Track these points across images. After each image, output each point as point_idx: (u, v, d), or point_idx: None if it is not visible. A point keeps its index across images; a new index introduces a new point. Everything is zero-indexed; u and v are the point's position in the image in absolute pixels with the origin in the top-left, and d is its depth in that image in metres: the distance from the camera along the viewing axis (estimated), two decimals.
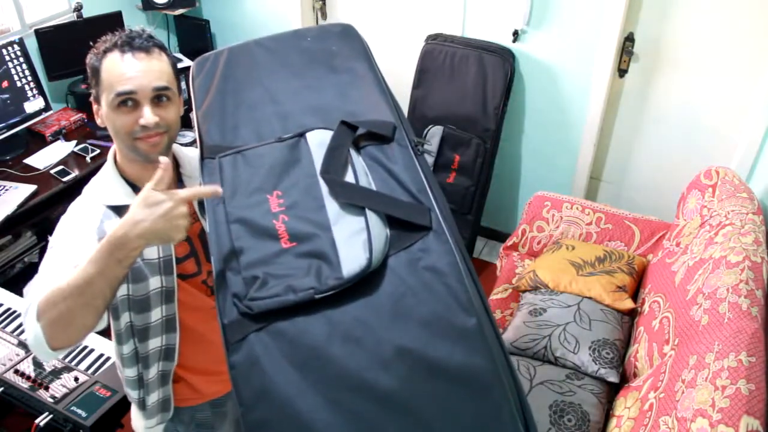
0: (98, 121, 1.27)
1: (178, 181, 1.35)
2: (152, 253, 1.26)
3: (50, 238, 1.24)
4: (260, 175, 1.12)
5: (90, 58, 1.23)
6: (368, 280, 1.00)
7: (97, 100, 1.24)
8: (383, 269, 1.01)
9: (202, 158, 1.18)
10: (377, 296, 0.99)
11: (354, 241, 1.01)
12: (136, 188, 1.27)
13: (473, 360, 0.97)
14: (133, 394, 1.39)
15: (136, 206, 1.02)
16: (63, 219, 1.25)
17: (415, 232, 1.04)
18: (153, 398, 1.39)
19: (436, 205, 1.08)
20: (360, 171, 1.11)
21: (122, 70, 1.18)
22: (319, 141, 1.16)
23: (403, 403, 0.94)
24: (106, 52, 1.21)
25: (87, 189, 1.31)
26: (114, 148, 1.31)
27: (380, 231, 1.03)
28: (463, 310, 0.98)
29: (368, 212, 1.05)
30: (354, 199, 1.06)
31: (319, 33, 1.39)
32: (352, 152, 1.14)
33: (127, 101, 1.19)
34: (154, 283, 1.27)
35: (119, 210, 1.22)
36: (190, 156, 1.39)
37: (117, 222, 1.04)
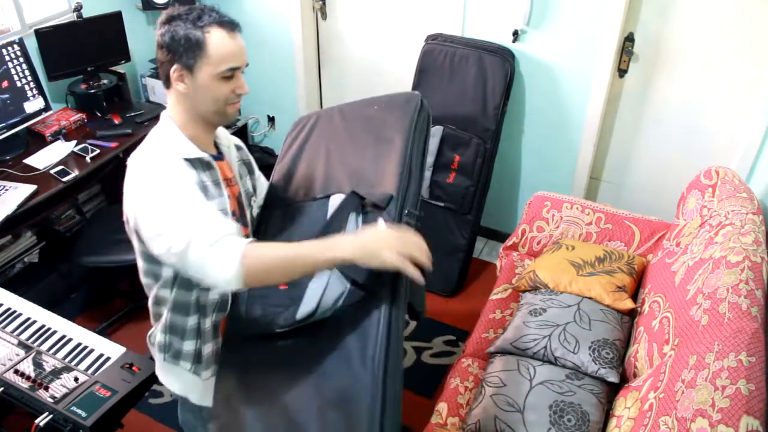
0: (180, 87, 1.39)
1: (216, 147, 1.54)
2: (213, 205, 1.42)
3: (142, 195, 1.33)
4: (290, 226, 1.48)
5: (184, 29, 1.34)
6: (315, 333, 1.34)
7: (188, 68, 1.36)
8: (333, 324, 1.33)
9: (266, 206, 1.61)
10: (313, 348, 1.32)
11: (315, 293, 1.34)
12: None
13: None
14: (188, 346, 1.50)
15: (393, 236, 1.26)
16: (151, 175, 1.34)
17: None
18: (208, 348, 1.52)
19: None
20: (350, 231, 1.38)
21: (233, 47, 1.37)
22: (336, 203, 1.48)
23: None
24: (207, 26, 1.34)
25: (153, 148, 1.40)
26: (170, 113, 1.44)
27: (337, 287, 1.34)
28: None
29: (334, 270, 1.35)
30: None
31: (387, 102, 1.70)
32: (353, 215, 1.42)
33: (231, 74, 1.39)
34: None
35: (192, 162, 1.40)
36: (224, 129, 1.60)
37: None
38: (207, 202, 1.35)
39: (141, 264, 1.51)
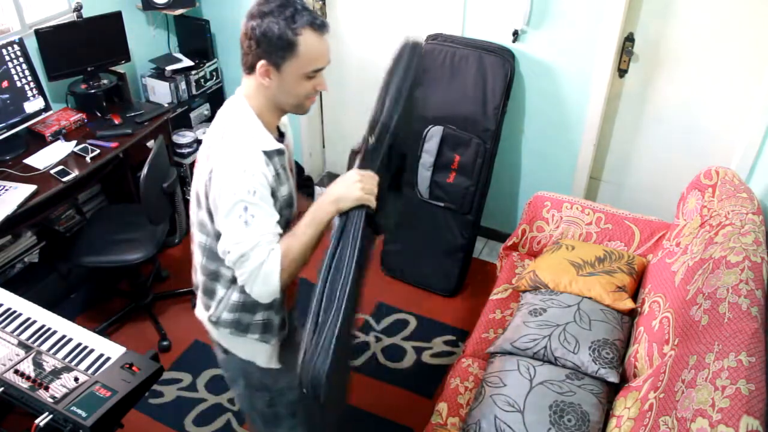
0: (264, 81, 1.44)
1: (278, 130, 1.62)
2: (284, 190, 1.55)
3: (224, 192, 1.43)
4: None
5: (278, 29, 1.38)
6: None
7: (276, 66, 1.42)
8: None
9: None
10: None
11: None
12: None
13: None
14: (258, 319, 1.63)
15: (349, 179, 1.45)
16: (236, 168, 1.43)
17: None
18: (276, 319, 1.66)
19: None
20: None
21: (322, 49, 1.44)
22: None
23: None
24: (300, 27, 1.38)
25: (236, 139, 1.47)
26: (248, 98, 1.50)
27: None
28: None
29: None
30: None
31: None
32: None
33: (315, 74, 1.46)
34: (286, 213, 1.57)
35: (269, 153, 1.49)
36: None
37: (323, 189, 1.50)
38: (268, 213, 1.46)
39: (209, 241, 1.56)
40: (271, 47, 1.40)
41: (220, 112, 1.56)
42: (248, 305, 1.60)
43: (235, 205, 1.42)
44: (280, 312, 1.67)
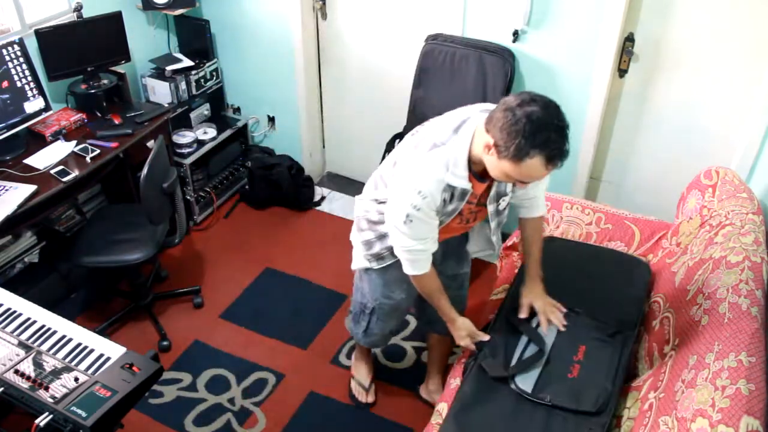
0: (485, 152, 1.60)
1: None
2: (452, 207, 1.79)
3: (402, 193, 1.72)
4: None
5: (522, 137, 1.49)
6: None
7: (499, 152, 1.55)
8: None
9: None
10: None
11: None
12: (472, 174, 1.71)
13: None
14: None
15: (463, 337, 2.03)
16: (420, 183, 1.67)
17: None
18: None
19: None
20: None
21: (540, 175, 1.57)
22: None
23: None
24: (537, 150, 1.49)
25: (441, 159, 1.67)
26: (478, 138, 1.64)
27: None
28: None
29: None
30: None
31: None
32: None
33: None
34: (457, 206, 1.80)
35: (452, 188, 1.70)
36: None
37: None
38: (432, 225, 1.77)
39: (377, 207, 1.93)
40: (505, 142, 1.53)
41: (456, 114, 1.74)
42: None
43: (405, 216, 1.74)
44: None
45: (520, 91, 1.57)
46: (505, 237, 2.79)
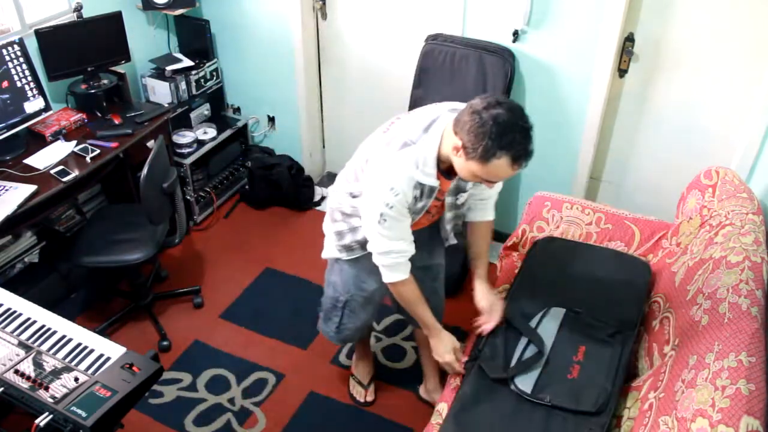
0: (452, 153, 1.66)
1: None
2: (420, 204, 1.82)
3: (375, 192, 1.75)
4: None
5: (488, 140, 1.54)
6: None
7: (466, 153, 1.61)
8: None
9: None
10: None
11: None
12: (440, 172, 1.76)
13: None
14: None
15: (448, 351, 2.03)
16: (392, 181, 1.71)
17: None
18: None
19: None
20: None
21: (506, 175, 1.62)
22: None
23: None
24: (503, 151, 1.55)
25: (409, 158, 1.71)
26: (447, 138, 1.68)
27: None
28: None
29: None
30: None
31: None
32: None
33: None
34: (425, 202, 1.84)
35: (422, 185, 1.74)
36: None
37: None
38: (405, 224, 1.80)
39: (350, 200, 1.92)
40: (471, 143, 1.58)
41: (426, 113, 1.78)
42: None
43: (378, 215, 1.76)
44: None
45: (486, 94, 1.62)
46: (504, 237, 2.80)
